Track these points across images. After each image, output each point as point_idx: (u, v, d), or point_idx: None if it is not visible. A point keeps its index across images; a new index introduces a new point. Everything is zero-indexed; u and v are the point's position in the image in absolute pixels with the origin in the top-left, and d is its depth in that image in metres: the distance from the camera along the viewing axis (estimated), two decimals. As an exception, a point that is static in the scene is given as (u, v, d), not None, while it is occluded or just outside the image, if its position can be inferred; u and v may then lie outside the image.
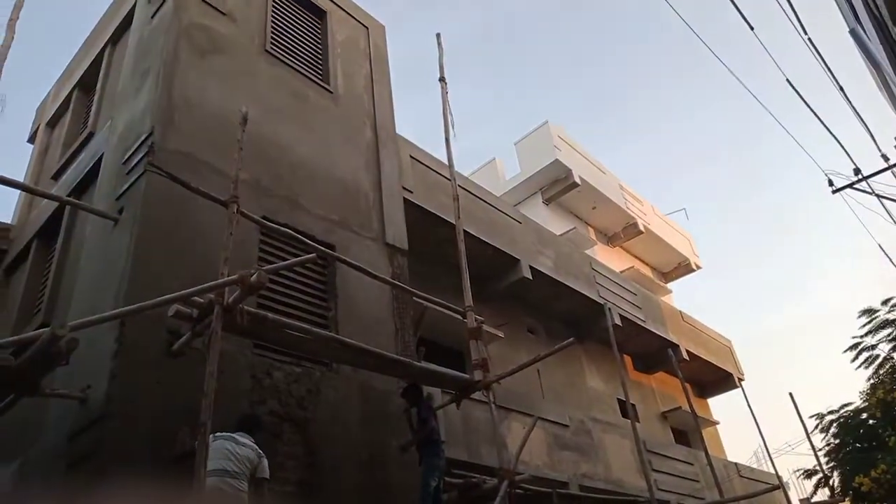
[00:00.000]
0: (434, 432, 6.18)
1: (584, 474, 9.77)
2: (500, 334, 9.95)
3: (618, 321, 12.84)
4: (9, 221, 9.47)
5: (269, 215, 6.61)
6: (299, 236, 6.41)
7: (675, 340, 15.34)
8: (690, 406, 11.05)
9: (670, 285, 21.87)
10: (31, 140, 10.66)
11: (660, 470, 11.36)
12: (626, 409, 13.41)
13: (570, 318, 13.22)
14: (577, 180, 17.22)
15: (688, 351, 15.69)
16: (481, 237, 10.37)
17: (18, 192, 9.56)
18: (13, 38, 5.79)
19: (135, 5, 8.34)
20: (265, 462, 4.81)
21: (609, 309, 9.64)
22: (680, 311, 16.95)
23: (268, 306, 6.00)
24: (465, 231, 7.78)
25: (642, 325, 14.32)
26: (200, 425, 4.14)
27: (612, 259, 17.75)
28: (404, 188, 9.16)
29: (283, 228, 6.34)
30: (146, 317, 5.14)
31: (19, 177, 9.83)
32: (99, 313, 4.90)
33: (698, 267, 22.53)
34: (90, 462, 4.61)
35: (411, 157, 9.82)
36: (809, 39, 8.15)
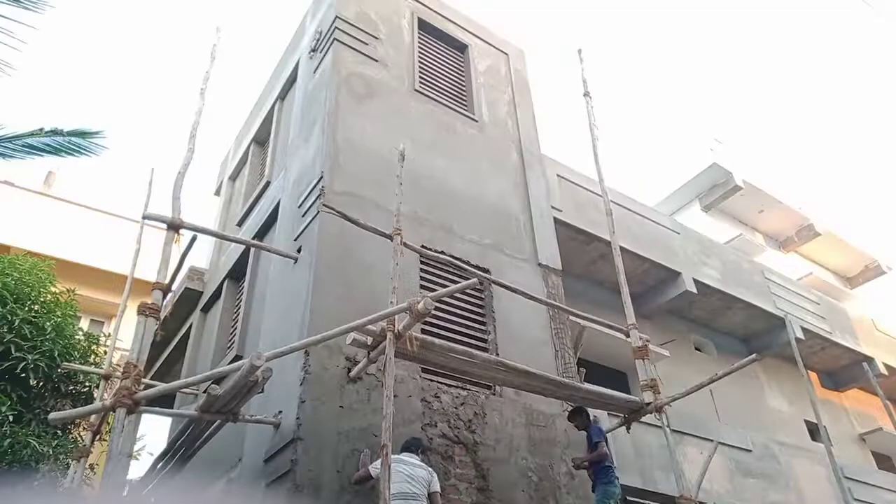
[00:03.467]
0: (607, 457, 6.00)
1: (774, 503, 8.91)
2: (666, 353, 9.46)
3: (800, 334, 11.67)
4: (203, 266, 10.77)
5: (426, 244, 6.91)
6: (457, 262, 6.63)
7: (868, 353, 13.61)
8: (897, 427, 9.69)
9: (857, 291, 19.51)
10: (217, 193, 12.08)
11: (863, 500, 10.05)
12: (816, 431, 12.10)
13: (743, 333, 12.24)
14: (740, 183, 16.02)
15: (885, 364, 13.85)
16: (637, 251, 9.99)
17: (211, 239, 10.86)
18: (203, 105, 6.62)
19: (298, 63, 9.23)
20: (436, 477, 5.00)
21: (790, 321, 8.79)
22: (872, 320, 15.04)
23: (431, 332, 6.22)
24: (620, 246, 7.54)
25: (828, 337, 12.89)
26: (381, 447, 4.38)
27: (787, 265, 16.22)
28: (553, 207, 9.12)
29: (442, 256, 6.60)
30: (326, 346, 5.58)
31: (210, 226, 11.18)
32: (287, 344, 5.40)
33: (890, 269, 19.90)
34: (286, 482, 5.03)
35: (558, 175, 9.77)
36: None
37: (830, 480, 8.99)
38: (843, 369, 13.71)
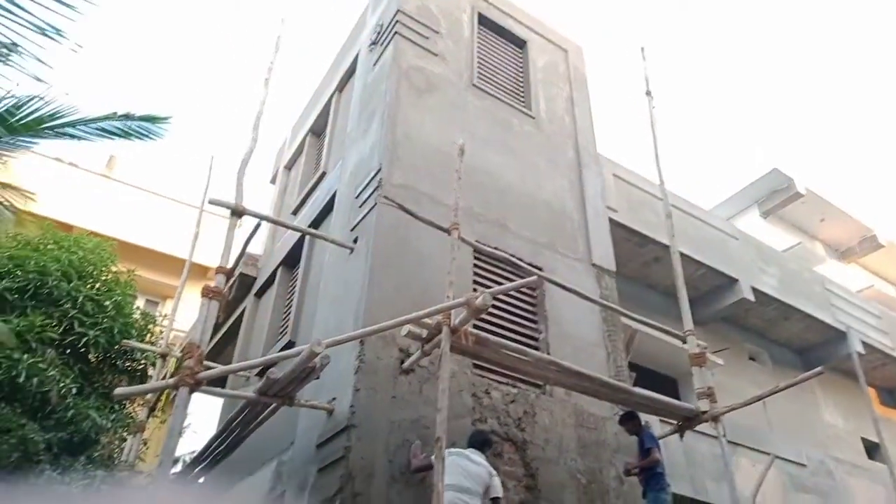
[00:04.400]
0: (659, 464, 5.88)
1: (828, 522, 8.62)
2: (720, 361, 9.21)
3: (860, 348, 11.22)
4: (257, 252, 10.99)
5: (481, 240, 6.87)
6: (513, 259, 6.58)
7: (933, 372, 13.01)
8: (963, 451, 9.22)
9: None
10: (273, 181, 12.29)
11: (924, 525, 9.62)
12: (873, 449, 11.64)
13: (800, 344, 11.84)
14: (802, 190, 15.48)
15: (951, 385, 13.21)
16: (694, 256, 9.74)
17: (265, 226, 11.06)
18: (267, 94, 6.73)
19: (357, 56, 9.30)
20: (497, 480, 4.95)
21: (852, 335, 8.46)
22: (938, 337, 14.33)
23: (483, 328, 6.19)
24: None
25: (891, 353, 12.36)
26: (436, 439, 4.38)
27: (847, 277, 15.61)
28: (608, 207, 8.98)
29: (498, 252, 6.56)
30: (381, 336, 5.61)
31: (265, 214, 11.38)
32: (340, 333, 5.45)
33: (957, 284, 18.94)
34: (338, 468, 5.09)
35: (614, 175, 9.61)
36: None
37: (890, 501, 8.63)
38: (904, 387, 13.16)
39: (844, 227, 16.89)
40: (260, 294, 10.02)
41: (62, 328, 7.38)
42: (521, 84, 9.24)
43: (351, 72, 9.52)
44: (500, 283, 6.64)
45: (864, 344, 11.76)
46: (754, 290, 10.37)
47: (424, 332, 5.21)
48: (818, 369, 5.86)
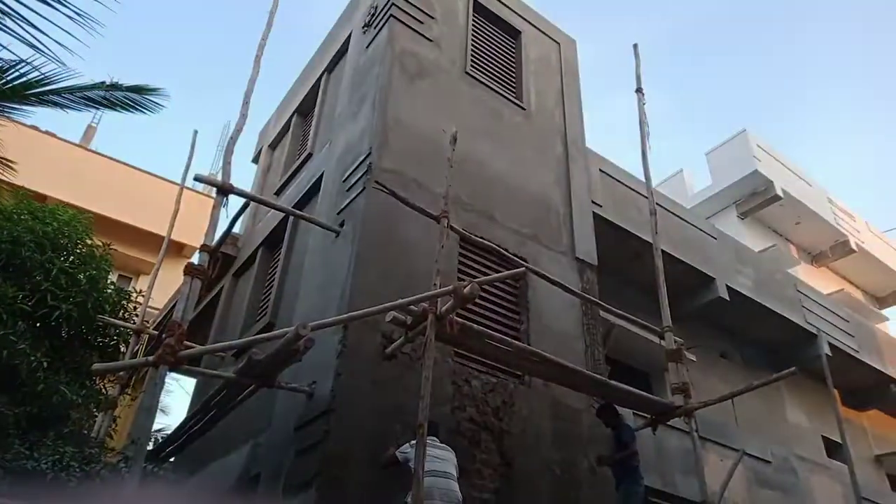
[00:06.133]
0: (636, 457, 5.99)
1: (789, 518, 8.87)
2: (693, 358, 9.35)
3: (827, 350, 11.49)
4: (237, 231, 10.82)
5: (467, 229, 6.87)
6: (499, 250, 6.60)
7: (894, 375, 13.42)
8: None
9: (888, 312, 19.19)
10: (255, 160, 12.10)
11: (878, 522, 9.97)
12: (832, 448, 11.98)
13: (770, 345, 12.08)
14: (780, 193, 15.76)
15: (912, 389, 13.61)
16: (673, 254, 9.86)
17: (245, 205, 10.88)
18: (258, 72, 6.60)
19: (349, 37, 9.16)
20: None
21: (822, 337, 8.68)
22: (901, 342, 14.78)
23: (465, 317, 6.20)
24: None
25: (855, 356, 12.70)
26: (418, 426, 4.40)
27: (818, 280, 15.99)
28: (594, 202, 9.03)
29: (485, 242, 6.57)
30: (364, 321, 5.58)
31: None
32: (323, 317, 5.42)
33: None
34: (317, 451, 5.09)
35: (601, 170, 9.66)
36: None
37: (846, 499, 8.92)
38: (866, 389, 13.52)
39: (818, 232, 17.26)
40: (238, 274, 9.89)
41: (34, 300, 7.18)
42: (514, 74, 9.21)
43: (342, 53, 9.39)
44: (484, 273, 6.66)
45: (832, 346, 12.05)
46: (729, 289, 10.55)
47: (409, 319, 5.21)
48: (792, 369, 6.01)
